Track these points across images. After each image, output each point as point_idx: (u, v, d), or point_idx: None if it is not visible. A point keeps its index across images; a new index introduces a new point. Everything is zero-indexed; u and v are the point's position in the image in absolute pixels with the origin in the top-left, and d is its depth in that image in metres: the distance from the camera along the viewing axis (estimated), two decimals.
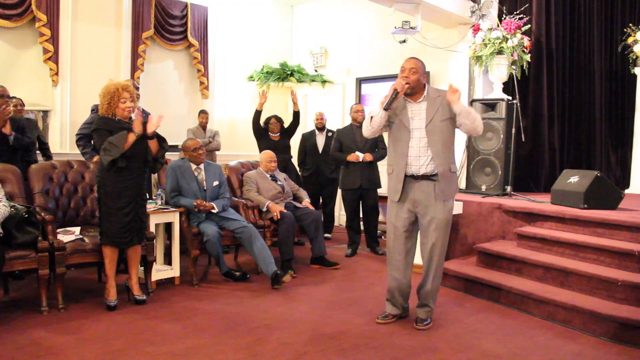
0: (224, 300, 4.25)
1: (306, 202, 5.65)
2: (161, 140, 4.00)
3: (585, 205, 4.71)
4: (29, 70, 6.35)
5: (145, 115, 4.64)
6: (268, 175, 5.53)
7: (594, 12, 6.67)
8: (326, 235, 6.93)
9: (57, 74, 6.44)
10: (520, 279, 4.31)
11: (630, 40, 6.03)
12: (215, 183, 4.93)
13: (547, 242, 4.50)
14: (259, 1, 8.66)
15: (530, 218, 4.93)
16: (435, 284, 3.68)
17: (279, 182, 5.55)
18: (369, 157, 5.79)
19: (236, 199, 5.32)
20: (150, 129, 3.85)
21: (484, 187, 5.87)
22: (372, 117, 3.55)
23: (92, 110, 5.24)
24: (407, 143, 3.51)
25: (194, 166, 4.88)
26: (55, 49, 6.41)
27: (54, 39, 6.38)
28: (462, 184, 6.23)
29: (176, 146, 6.59)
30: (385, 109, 3.46)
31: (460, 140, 6.29)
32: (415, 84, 3.48)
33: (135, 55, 7.13)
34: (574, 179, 4.99)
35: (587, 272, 3.95)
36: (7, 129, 4.58)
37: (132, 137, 3.76)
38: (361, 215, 6.17)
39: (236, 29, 8.37)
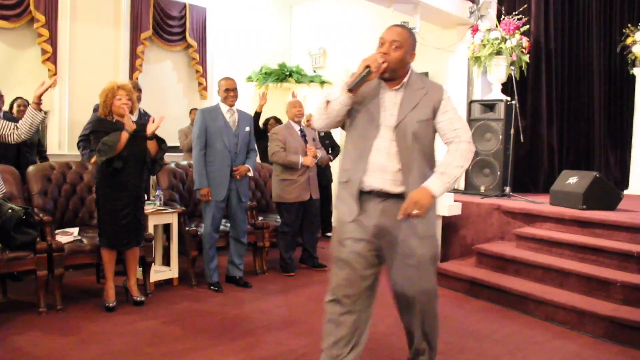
0: (223, 301, 4.24)
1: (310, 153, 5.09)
2: (160, 141, 3.99)
3: (584, 206, 4.72)
4: (28, 71, 6.34)
5: (145, 117, 4.62)
6: (297, 130, 5.17)
7: (593, 13, 6.69)
8: (329, 234, 6.95)
9: (55, 74, 6.43)
10: (520, 280, 4.31)
11: (629, 40, 6.05)
12: (247, 129, 4.64)
13: (546, 243, 4.50)
14: (258, 2, 8.66)
15: (529, 219, 4.93)
16: (428, 338, 2.67)
17: (306, 141, 5.18)
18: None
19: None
20: (150, 130, 3.84)
21: (482, 188, 5.87)
22: (328, 102, 2.50)
23: (95, 110, 5.22)
24: (371, 143, 2.49)
25: (225, 108, 4.56)
26: (54, 50, 6.40)
27: (53, 40, 6.37)
28: (461, 185, 6.24)
29: (176, 147, 6.59)
30: (350, 90, 2.42)
31: None
32: (397, 64, 2.47)
33: (133, 56, 7.13)
34: (572, 180, 4.99)
35: (586, 273, 3.95)
36: None
37: (125, 136, 3.74)
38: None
39: (235, 30, 8.37)
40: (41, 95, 3.45)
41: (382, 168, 2.46)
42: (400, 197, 2.43)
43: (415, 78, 2.56)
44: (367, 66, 2.40)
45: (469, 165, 2.54)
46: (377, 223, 2.49)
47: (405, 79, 2.53)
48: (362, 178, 2.48)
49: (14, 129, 3.44)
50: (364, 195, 2.50)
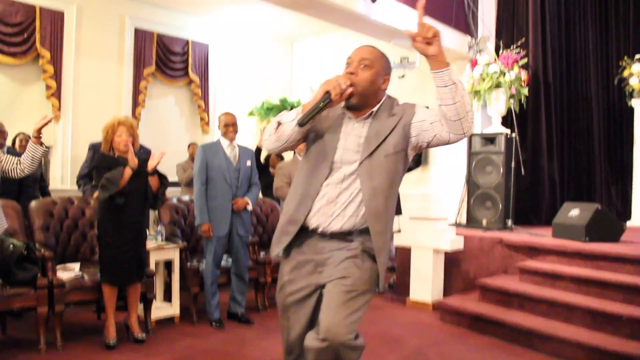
0: (225, 338, 4.18)
1: None
2: (162, 177, 4.00)
3: (587, 238, 4.70)
4: (32, 107, 6.41)
5: (145, 152, 4.65)
6: None
7: (590, 46, 6.79)
8: None
9: (59, 110, 6.49)
10: (524, 315, 4.26)
11: (625, 73, 6.11)
12: (249, 163, 4.61)
13: (550, 277, 4.47)
14: (259, 38, 8.80)
15: (532, 252, 4.90)
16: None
17: None
18: None
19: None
20: (151, 165, 3.85)
21: (484, 222, 5.85)
22: (279, 124, 2.11)
23: (90, 149, 5.23)
24: (319, 184, 2.12)
25: (225, 143, 4.53)
26: (58, 86, 6.49)
27: (57, 76, 6.47)
28: (463, 219, 6.22)
29: (177, 183, 6.60)
30: (301, 125, 2.02)
31: (459, 173, 6.31)
32: (366, 86, 2.07)
33: (136, 91, 7.21)
34: (574, 212, 4.99)
35: (591, 307, 3.91)
36: None
37: (128, 172, 3.76)
38: None
39: (237, 65, 8.48)
40: (41, 128, 3.46)
41: (330, 213, 2.10)
42: (348, 234, 2.10)
43: (387, 106, 2.14)
44: (327, 92, 1.98)
45: (468, 108, 2.06)
46: (315, 260, 2.15)
47: (376, 108, 2.12)
48: (305, 220, 2.13)
49: (17, 163, 3.46)
50: (305, 232, 2.16)
